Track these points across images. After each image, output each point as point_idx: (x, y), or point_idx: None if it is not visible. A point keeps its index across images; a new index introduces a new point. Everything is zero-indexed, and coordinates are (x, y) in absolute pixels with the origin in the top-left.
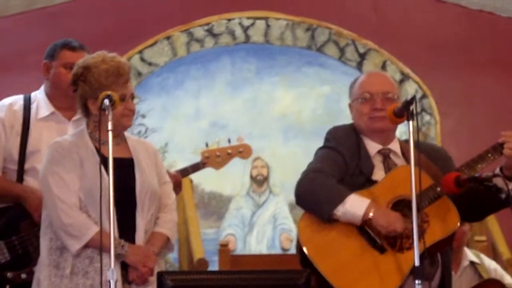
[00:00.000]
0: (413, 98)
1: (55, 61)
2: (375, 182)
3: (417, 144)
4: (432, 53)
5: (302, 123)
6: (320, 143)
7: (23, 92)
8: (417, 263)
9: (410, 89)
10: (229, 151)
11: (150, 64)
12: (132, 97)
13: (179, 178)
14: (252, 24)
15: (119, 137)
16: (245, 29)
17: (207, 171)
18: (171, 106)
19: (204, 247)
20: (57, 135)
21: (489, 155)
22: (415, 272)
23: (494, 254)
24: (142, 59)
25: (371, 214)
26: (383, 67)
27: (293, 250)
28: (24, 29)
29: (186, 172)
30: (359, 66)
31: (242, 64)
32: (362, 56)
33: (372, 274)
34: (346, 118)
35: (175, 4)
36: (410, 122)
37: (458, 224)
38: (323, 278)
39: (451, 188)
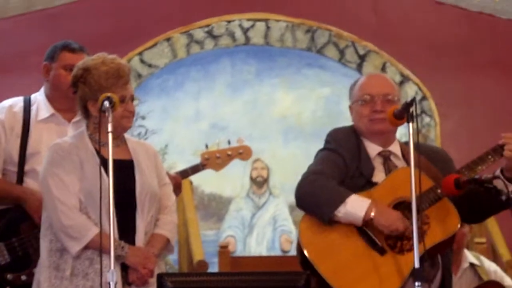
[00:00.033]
0: (413, 100)
1: (55, 62)
2: (375, 184)
3: (417, 146)
4: (432, 55)
5: (302, 124)
6: (320, 144)
7: (24, 93)
8: (417, 265)
9: (410, 91)
10: (229, 152)
11: (150, 65)
12: (132, 98)
13: (179, 180)
14: (252, 26)
15: (119, 139)
16: (245, 31)
17: (207, 173)
18: (171, 108)
19: (204, 248)
20: (57, 137)
21: (489, 156)
22: (415, 274)
23: (494, 256)
24: (142, 61)
25: (372, 214)
26: (383, 69)
27: (293, 252)
28: (24, 30)
29: (186, 173)
30: (359, 67)
31: (242, 65)
32: (362, 58)
33: (372, 276)
34: (346, 120)
35: (175, 6)
36: (410, 124)
37: (459, 226)
38: (324, 280)
39: (450, 190)
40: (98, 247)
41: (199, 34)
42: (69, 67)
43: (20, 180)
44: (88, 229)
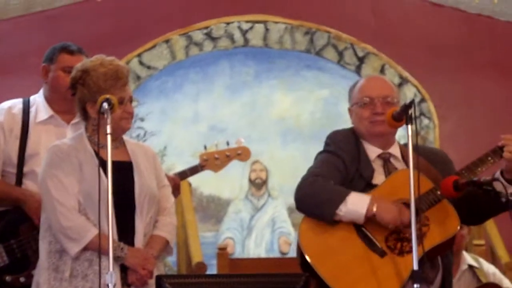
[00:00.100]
0: (412, 102)
1: (53, 64)
2: (375, 186)
3: (416, 147)
4: (430, 57)
5: (301, 126)
6: (318, 146)
7: (23, 95)
8: (415, 267)
9: (409, 92)
10: (228, 153)
11: (149, 67)
12: (131, 100)
13: (178, 181)
14: (251, 28)
15: (117, 141)
16: (244, 33)
17: (206, 174)
18: (170, 110)
19: (203, 250)
20: (56, 139)
21: (489, 158)
22: (413, 276)
23: (493, 258)
24: (141, 63)
25: (374, 209)
26: (382, 71)
27: (291, 254)
28: (24, 32)
29: (184, 175)
30: (358, 69)
31: (241, 67)
32: (361, 60)
33: (372, 278)
34: (345, 121)
35: (174, 8)
36: (409, 126)
37: (458, 227)
38: (323, 282)
39: (449, 192)
40: (97, 248)
41: (198, 36)
42: (67, 69)
43: (19, 181)
44: (87, 231)
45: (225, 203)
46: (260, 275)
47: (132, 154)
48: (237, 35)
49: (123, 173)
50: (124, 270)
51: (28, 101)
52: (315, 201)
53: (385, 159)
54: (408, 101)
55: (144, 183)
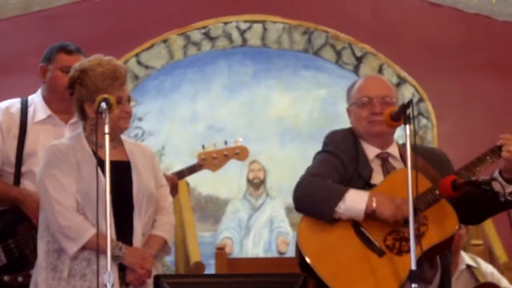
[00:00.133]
0: (410, 101)
1: (51, 64)
2: (374, 186)
3: (414, 147)
4: (428, 57)
5: (299, 126)
6: (316, 146)
7: (21, 94)
8: (413, 267)
9: (407, 92)
10: (226, 153)
11: (147, 67)
12: (129, 99)
13: (176, 181)
14: (249, 28)
15: (115, 140)
16: (242, 33)
17: (204, 174)
18: (167, 109)
19: (201, 250)
20: (54, 138)
21: (488, 158)
22: (411, 276)
23: (491, 258)
24: (139, 62)
25: (374, 205)
26: (380, 70)
27: (289, 254)
28: (23, 31)
29: (182, 174)
30: (356, 69)
31: (239, 67)
32: (359, 60)
33: (370, 278)
34: (342, 121)
35: (172, 8)
36: (407, 126)
37: (457, 227)
38: (322, 281)
39: (447, 191)
40: (95, 247)
41: (196, 35)
42: (65, 69)
43: (17, 181)
44: (85, 230)
45: (223, 202)
46: (258, 275)
47: (130, 153)
48: (235, 35)
49: (121, 173)
50: (122, 269)
51: (26, 100)
52: (313, 200)
53: (384, 159)
54: (406, 100)
55: (142, 182)
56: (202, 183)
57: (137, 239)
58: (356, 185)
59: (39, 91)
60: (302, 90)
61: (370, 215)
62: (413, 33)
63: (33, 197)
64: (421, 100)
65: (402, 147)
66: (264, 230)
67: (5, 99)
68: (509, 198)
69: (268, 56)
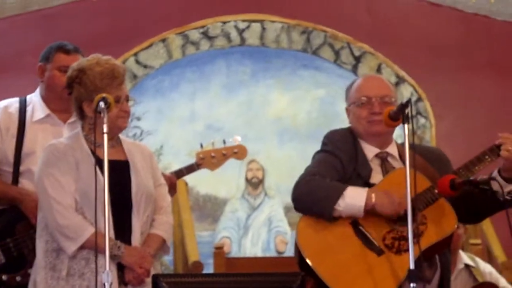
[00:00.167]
0: (409, 101)
1: (49, 63)
2: (373, 185)
3: (413, 146)
4: (427, 56)
5: (297, 126)
6: (315, 146)
7: (20, 94)
8: (412, 266)
9: (406, 92)
10: (224, 152)
11: (145, 66)
12: (127, 99)
13: (174, 180)
14: (248, 27)
15: (114, 140)
16: (241, 32)
17: (203, 174)
18: (166, 109)
19: (199, 249)
20: (52, 138)
21: (486, 157)
22: (410, 276)
23: (489, 257)
24: (138, 62)
25: (373, 200)
26: (378, 70)
27: (288, 253)
28: (21, 31)
29: (181, 173)
30: (355, 69)
31: (238, 66)
32: (358, 59)
33: (369, 277)
34: (341, 121)
35: (171, 7)
36: (405, 125)
37: (456, 226)
38: (321, 280)
39: (446, 190)
40: (94, 247)
41: (194, 35)
42: (63, 69)
43: (15, 180)
44: (84, 229)
45: (221, 202)
46: (256, 274)
47: (128, 153)
48: (234, 34)
49: (120, 172)
50: (121, 268)
51: (25, 100)
52: (312, 198)
53: (383, 159)
54: (404, 100)
55: (140, 182)
56: (201, 182)
57: (136, 238)
58: (355, 184)
59: (37, 91)
60: (300, 89)
61: (370, 211)
62: (412, 32)
63: (32, 196)
64: (419, 99)
65: (401, 147)
66: (263, 229)
67: (3, 98)
68: (507, 197)
69: (266, 55)
